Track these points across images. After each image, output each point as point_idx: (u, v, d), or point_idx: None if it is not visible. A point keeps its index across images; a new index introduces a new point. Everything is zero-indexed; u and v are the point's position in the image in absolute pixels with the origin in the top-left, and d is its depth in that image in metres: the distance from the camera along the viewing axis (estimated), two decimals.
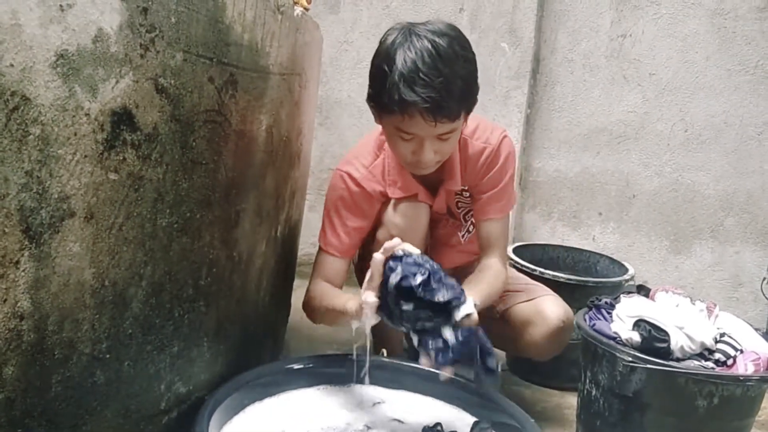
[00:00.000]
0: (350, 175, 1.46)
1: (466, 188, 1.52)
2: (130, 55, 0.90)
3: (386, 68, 1.23)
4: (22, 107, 0.79)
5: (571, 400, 1.63)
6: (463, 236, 1.62)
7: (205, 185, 1.08)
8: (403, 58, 1.22)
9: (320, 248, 1.49)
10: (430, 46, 1.21)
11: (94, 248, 0.91)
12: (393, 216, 1.45)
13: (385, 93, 1.24)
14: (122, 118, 0.91)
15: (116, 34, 0.87)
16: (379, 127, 1.52)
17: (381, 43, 1.29)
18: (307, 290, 1.47)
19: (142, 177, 0.96)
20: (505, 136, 1.50)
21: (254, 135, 1.21)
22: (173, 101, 0.98)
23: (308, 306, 1.46)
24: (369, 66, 1.31)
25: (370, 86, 1.32)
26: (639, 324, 1.25)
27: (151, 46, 0.93)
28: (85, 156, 0.87)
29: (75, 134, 0.85)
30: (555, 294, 1.57)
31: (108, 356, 0.97)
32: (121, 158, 0.92)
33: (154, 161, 0.97)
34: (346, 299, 1.31)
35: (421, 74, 1.20)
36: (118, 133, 0.91)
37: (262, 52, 1.18)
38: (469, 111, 1.32)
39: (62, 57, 0.82)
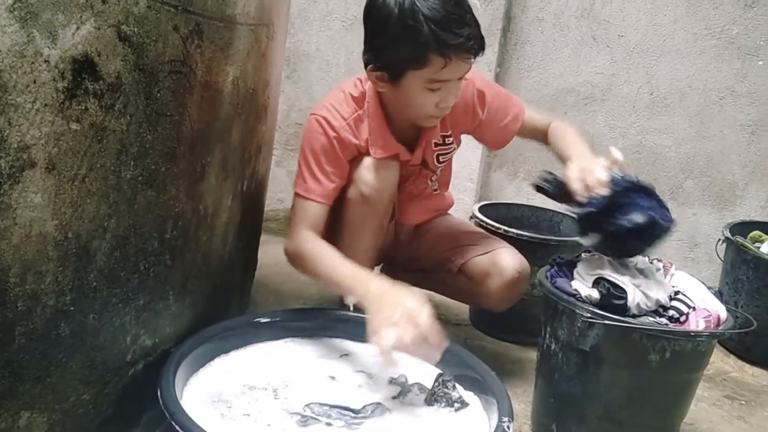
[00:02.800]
0: (328, 122, 1.44)
1: (449, 133, 1.54)
2: (91, 0, 0.87)
3: (411, 23, 1.24)
4: None
5: (531, 355, 1.68)
6: (432, 180, 1.64)
7: (169, 137, 1.07)
8: (426, 7, 1.23)
9: (299, 195, 1.44)
10: None
11: (56, 200, 0.89)
12: (365, 174, 1.44)
13: (421, 47, 1.25)
14: (84, 66, 0.88)
15: None
16: (351, 82, 1.51)
17: (380, 6, 1.28)
18: (294, 238, 1.41)
19: (105, 128, 0.94)
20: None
21: (220, 87, 1.19)
22: (137, 50, 0.96)
23: (296, 254, 1.40)
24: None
25: (392, 50, 1.29)
26: (599, 281, 1.29)
27: None
28: (46, 105, 0.84)
29: (34, 82, 0.82)
30: (511, 246, 1.61)
31: (72, 309, 0.96)
32: (83, 108, 0.89)
33: (118, 112, 0.95)
34: (353, 275, 1.26)
35: (452, 17, 1.24)
36: (80, 82, 0.88)
37: (229, 2, 1.15)
38: None
39: (20, 0, 0.78)
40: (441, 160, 1.59)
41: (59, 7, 0.83)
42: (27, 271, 0.88)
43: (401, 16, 1.25)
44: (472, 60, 1.31)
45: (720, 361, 1.98)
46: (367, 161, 1.46)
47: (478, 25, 1.30)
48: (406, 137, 1.49)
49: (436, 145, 1.55)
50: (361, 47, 1.38)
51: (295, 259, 1.41)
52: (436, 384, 1.23)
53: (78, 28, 0.86)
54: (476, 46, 1.28)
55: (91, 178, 0.93)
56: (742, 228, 2.14)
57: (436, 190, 1.71)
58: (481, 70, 2.38)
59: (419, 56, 1.26)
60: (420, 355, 1.15)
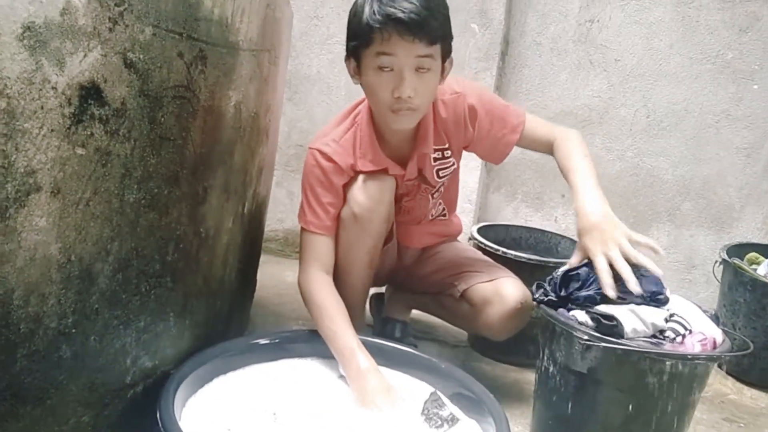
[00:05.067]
0: (320, 151, 1.47)
1: (446, 146, 1.54)
2: (99, 29, 0.89)
3: (359, 4, 1.31)
4: None
5: (530, 376, 1.69)
6: (434, 196, 1.63)
7: (173, 161, 1.08)
8: None
9: (302, 227, 1.49)
10: None
11: (60, 223, 0.90)
12: (356, 194, 1.46)
13: (365, 22, 1.28)
14: (90, 93, 0.90)
15: (84, 6, 0.86)
16: (350, 104, 1.53)
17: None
18: (305, 274, 1.45)
19: (110, 152, 0.95)
20: (464, 81, 1.54)
21: (223, 111, 1.21)
22: (142, 76, 0.98)
23: (305, 295, 1.44)
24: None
25: (348, 36, 1.36)
26: (589, 313, 1.29)
27: (120, 20, 0.92)
28: (52, 130, 0.86)
29: (42, 108, 0.84)
30: (515, 276, 1.60)
31: (74, 331, 0.97)
32: (89, 133, 0.91)
33: (122, 136, 0.97)
34: (350, 347, 1.32)
35: None
36: (86, 108, 0.90)
37: (232, 28, 1.17)
38: (445, 49, 1.36)
39: (29, 29, 0.81)
40: (441, 174, 1.58)
41: (67, 36, 0.85)
42: (30, 293, 0.89)
43: (356, 1, 1.33)
44: (415, 40, 1.27)
45: (718, 383, 1.98)
46: (359, 180, 1.47)
47: (429, 9, 1.26)
48: (398, 154, 1.50)
49: (435, 159, 1.55)
50: None
51: (304, 297, 1.45)
52: (427, 404, 1.24)
53: (85, 55, 0.88)
54: (412, 23, 1.25)
55: (95, 201, 0.95)
56: (739, 250, 2.15)
57: (443, 212, 1.72)
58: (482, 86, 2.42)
59: (364, 31, 1.29)
60: None
